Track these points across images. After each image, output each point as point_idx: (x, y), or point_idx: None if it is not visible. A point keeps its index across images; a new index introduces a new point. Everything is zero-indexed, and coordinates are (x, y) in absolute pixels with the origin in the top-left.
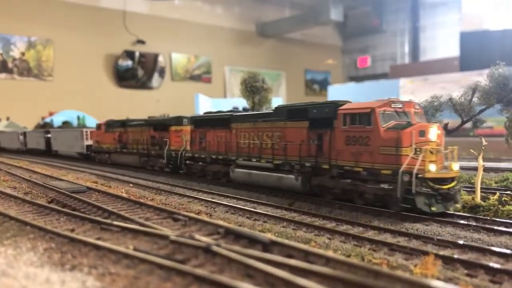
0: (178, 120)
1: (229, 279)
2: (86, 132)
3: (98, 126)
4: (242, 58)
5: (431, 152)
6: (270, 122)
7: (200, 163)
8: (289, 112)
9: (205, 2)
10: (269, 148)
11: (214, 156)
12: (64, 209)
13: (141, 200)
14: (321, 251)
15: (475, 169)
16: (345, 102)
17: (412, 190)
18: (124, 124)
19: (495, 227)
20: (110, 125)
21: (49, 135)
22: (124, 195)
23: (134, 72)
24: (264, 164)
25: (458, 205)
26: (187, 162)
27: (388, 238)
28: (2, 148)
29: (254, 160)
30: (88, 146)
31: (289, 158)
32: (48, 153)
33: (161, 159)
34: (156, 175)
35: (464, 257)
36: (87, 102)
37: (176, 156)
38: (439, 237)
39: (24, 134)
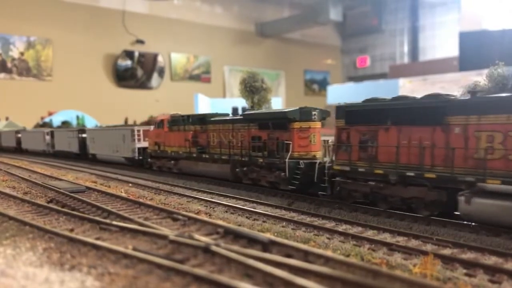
0: (305, 113)
1: (228, 279)
2: (138, 131)
3: (159, 123)
4: (241, 58)
5: None
6: None
7: (370, 182)
8: None
9: (204, 2)
10: None
11: (407, 173)
12: (63, 209)
13: (141, 200)
14: (320, 251)
15: None
16: None
17: None
18: (203, 119)
19: None
20: (178, 121)
21: (84, 135)
22: (124, 194)
23: (133, 72)
24: None
25: None
26: (336, 179)
27: (387, 237)
28: (24, 150)
29: None
30: (140, 150)
31: None
32: (83, 158)
33: (277, 170)
34: (156, 175)
35: (463, 256)
36: (87, 102)
37: (309, 167)
38: (438, 237)
39: (52, 133)
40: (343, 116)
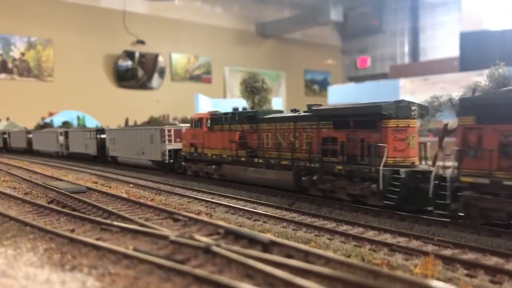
0: (403, 108)
1: (228, 279)
2: (169, 131)
3: (196, 122)
4: (242, 58)
5: None
6: None
7: None
8: None
9: (205, 2)
10: None
11: None
12: (64, 210)
13: (141, 201)
14: (321, 252)
15: None
16: None
17: None
18: (253, 117)
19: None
20: (220, 119)
21: (103, 136)
22: (124, 195)
23: (134, 72)
24: None
25: None
26: (463, 193)
27: (388, 238)
28: (35, 152)
29: None
30: (171, 152)
31: None
32: (101, 160)
33: (363, 181)
34: (157, 176)
35: (464, 257)
36: (87, 102)
37: (410, 178)
38: (439, 238)
39: (66, 134)
40: (472, 112)
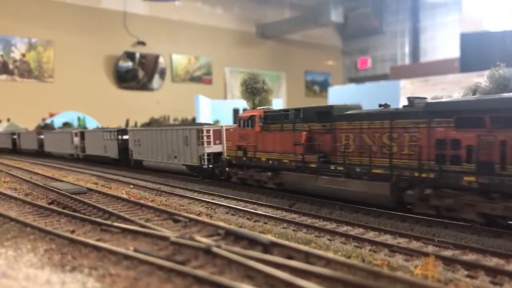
0: None
1: (229, 280)
2: (208, 131)
3: (246, 120)
4: (242, 59)
5: None
6: None
7: None
8: None
9: (205, 3)
10: None
11: None
12: (64, 211)
13: (142, 201)
14: (321, 252)
15: None
16: None
17: None
18: (326, 114)
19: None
20: (279, 117)
21: (125, 137)
22: (125, 196)
23: (134, 73)
24: None
25: None
26: None
27: (388, 239)
28: (47, 154)
29: None
30: (211, 156)
31: None
32: (123, 164)
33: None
34: (157, 176)
35: (465, 258)
36: (88, 103)
37: None
38: (439, 239)
39: (82, 135)
40: None
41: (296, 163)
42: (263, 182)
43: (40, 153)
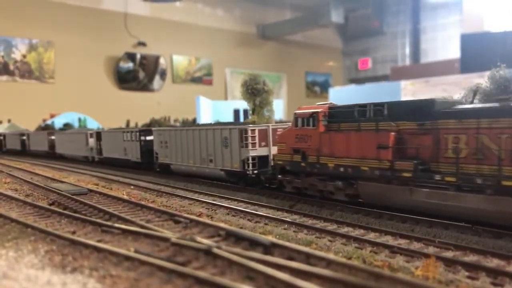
0: None
1: (230, 281)
2: (253, 131)
3: (306, 118)
4: (243, 60)
5: None
6: None
7: None
8: None
9: (206, 5)
10: None
11: None
12: (65, 212)
13: (142, 202)
14: (322, 253)
15: None
16: None
17: None
18: (425, 110)
19: None
20: (351, 114)
21: (149, 138)
22: (125, 197)
23: (135, 74)
24: None
25: None
26: None
27: (389, 240)
28: (58, 156)
29: None
30: (256, 160)
31: None
32: (146, 168)
33: None
34: (158, 177)
35: (465, 259)
36: (88, 104)
37: None
38: (440, 240)
39: (98, 135)
40: None
41: (380, 171)
42: (329, 193)
43: (51, 155)
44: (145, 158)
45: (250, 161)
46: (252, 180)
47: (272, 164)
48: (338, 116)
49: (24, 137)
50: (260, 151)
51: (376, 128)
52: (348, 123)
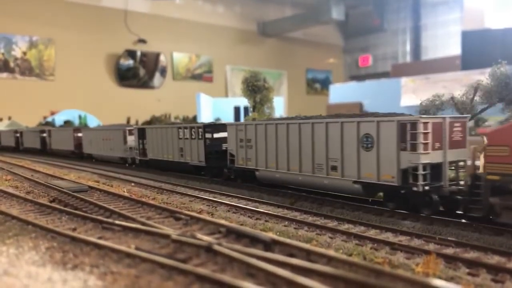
0: None
1: (230, 278)
2: (425, 126)
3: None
4: (243, 57)
5: None
6: None
7: None
8: None
9: (206, 1)
10: None
11: None
12: (66, 208)
13: (143, 199)
14: (322, 250)
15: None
16: None
17: None
18: None
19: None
20: None
21: (217, 135)
22: (126, 194)
23: (135, 71)
24: None
25: None
26: None
27: (389, 237)
28: (87, 156)
29: None
30: (427, 169)
31: None
32: (212, 173)
33: None
34: (158, 174)
35: (466, 256)
36: (89, 101)
37: None
38: (440, 236)
39: (142, 132)
40: None
41: None
42: None
43: (77, 155)
44: (212, 162)
45: (421, 171)
46: (422, 200)
47: (468, 178)
48: None
49: (45, 134)
50: (434, 157)
51: None
52: None
